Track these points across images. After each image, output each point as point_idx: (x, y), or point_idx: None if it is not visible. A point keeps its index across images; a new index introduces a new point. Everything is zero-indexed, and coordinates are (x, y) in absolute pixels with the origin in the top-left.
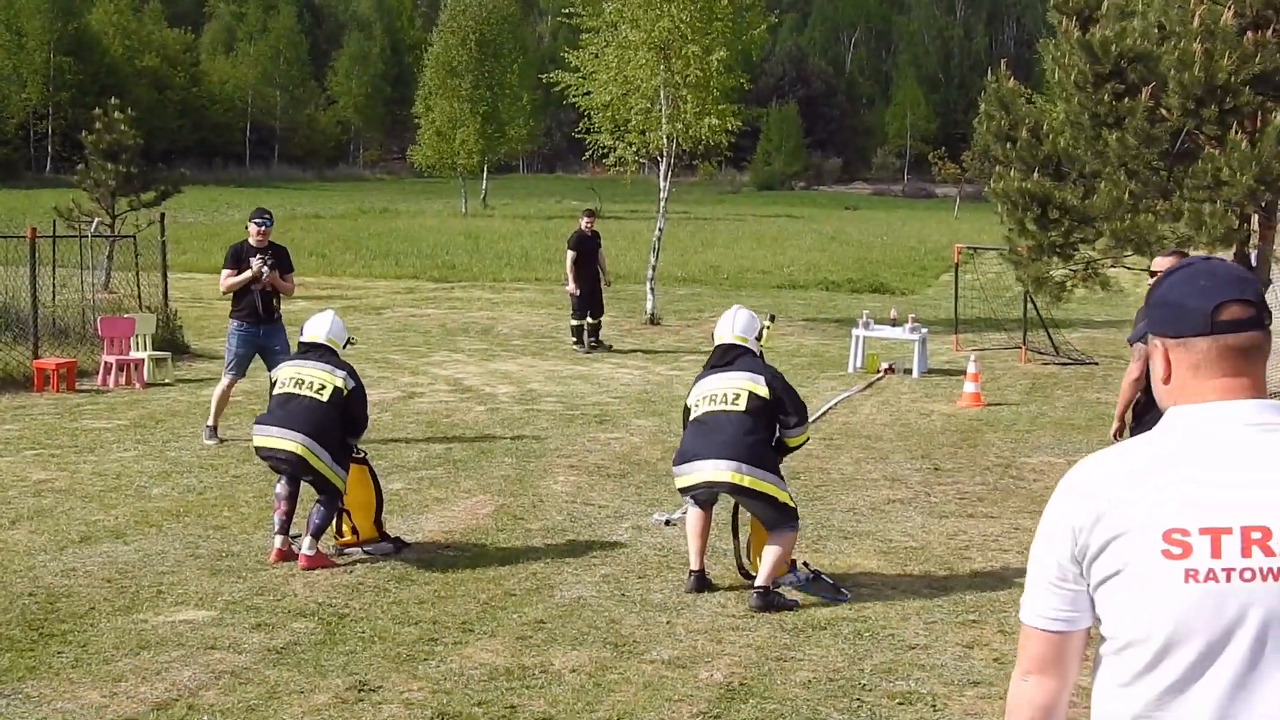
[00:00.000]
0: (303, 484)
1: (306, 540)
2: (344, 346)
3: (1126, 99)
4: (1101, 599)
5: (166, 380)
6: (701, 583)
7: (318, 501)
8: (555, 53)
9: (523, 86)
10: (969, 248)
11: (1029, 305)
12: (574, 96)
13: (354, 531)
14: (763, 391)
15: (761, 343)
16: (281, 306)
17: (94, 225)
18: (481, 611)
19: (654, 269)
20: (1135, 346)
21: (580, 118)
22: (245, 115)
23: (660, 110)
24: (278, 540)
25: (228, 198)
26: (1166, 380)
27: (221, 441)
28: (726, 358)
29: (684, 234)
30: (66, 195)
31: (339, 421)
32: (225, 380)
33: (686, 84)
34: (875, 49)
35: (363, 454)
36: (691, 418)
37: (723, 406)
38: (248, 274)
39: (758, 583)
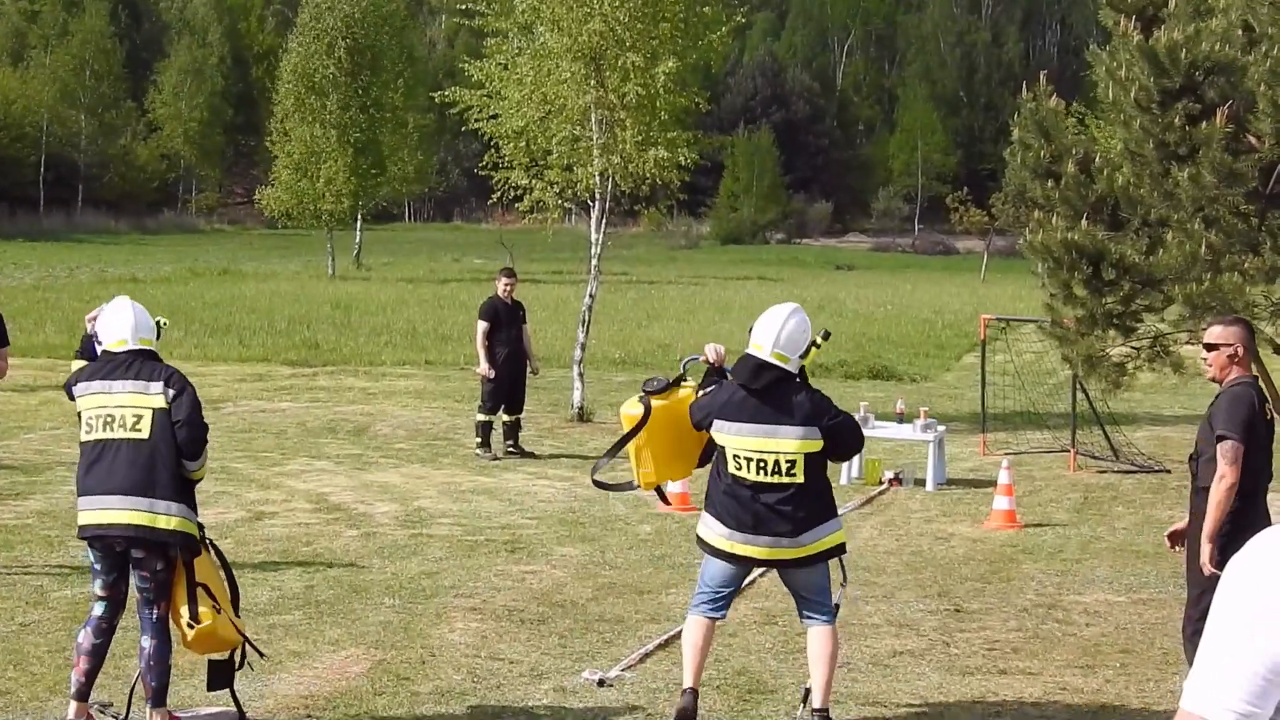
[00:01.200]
0: (117, 634)
1: (154, 714)
2: (157, 339)
3: (1203, 123)
4: None
5: None
6: (693, 708)
7: (145, 633)
8: (452, 64)
9: (409, 109)
10: (999, 319)
11: (1079, 394)
12: (477, 121)
13: (216, 611)
14: (817, 447)
15: (805, 362)
16: None
17: None
18: None
19: (583, 348)
20: (1225, 445)
21: (486, 149)
22: (39, 146)
23: (591, 139)
24: (72, 708)
25: (15, 255)
26: None
27: None
28: (758, 382)
29: (623, 302)
30: None
31: (174, 452)
32: None
33: (625, 105)
34: (876, 59)
35: (204, 534)
36: (734, 474)
37: (776, 479)
38: None
39: (815, 705)
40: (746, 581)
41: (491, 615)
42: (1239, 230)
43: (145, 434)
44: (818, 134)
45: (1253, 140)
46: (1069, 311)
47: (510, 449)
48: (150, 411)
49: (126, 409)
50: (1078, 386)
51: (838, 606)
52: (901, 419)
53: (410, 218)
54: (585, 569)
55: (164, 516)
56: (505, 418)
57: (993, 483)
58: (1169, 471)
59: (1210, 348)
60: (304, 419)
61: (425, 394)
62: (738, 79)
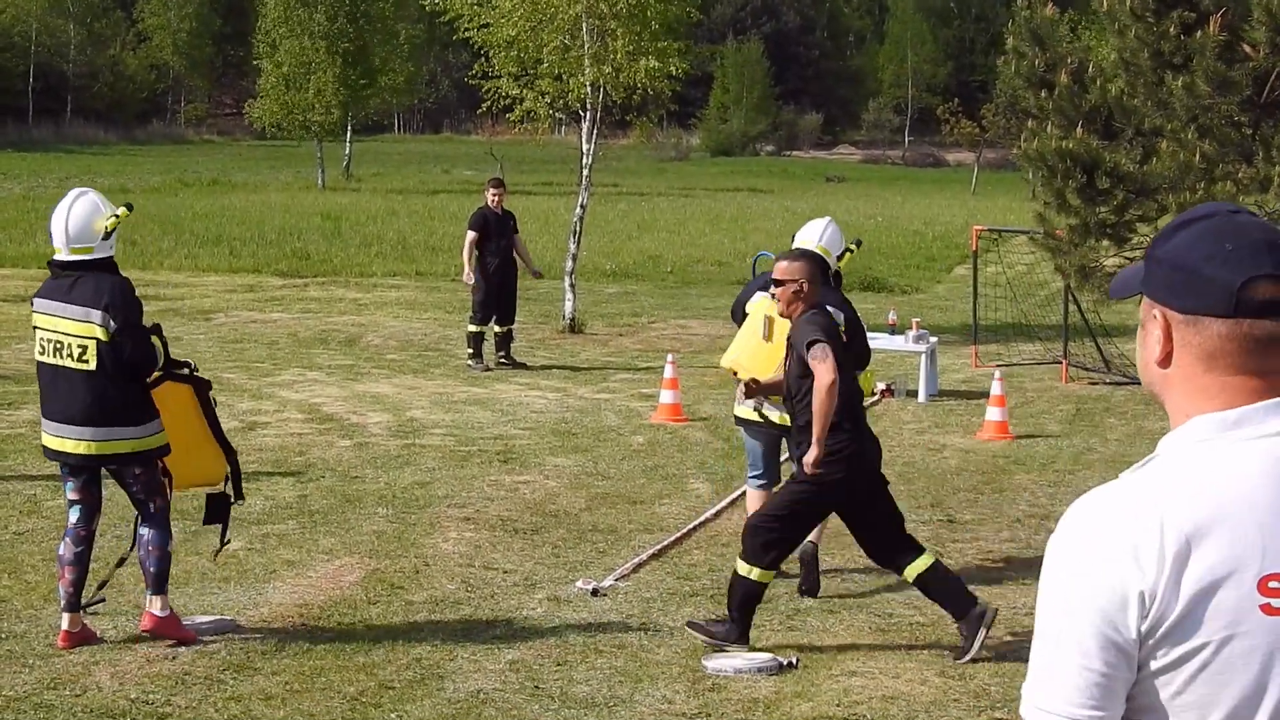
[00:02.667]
0: (98, 541)
1: (154, 599)
2: (107, 237)
3: (1197, 32)
4: (1173, 683)
5: None
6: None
7: (144, 523)
8: None
9: (398, 18)
10: (991, 230)
11: (1071, 305)
12: (467, 29)
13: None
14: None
15: (840, 265)
16: None
17: None
18: (349, 710)
19: (574, 260)
20: (815, 349)
21: (476, 58)
22: (27, 56)
23: (582, 49)
24: (65, 619)
25: (4, 165)
26: (1165, 364)
27: None
28: None
29: (613, 214)
30: None
31: (124, 378)
32: None
33: (615, 14)
34: None
35: (189, 368)
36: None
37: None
38: None
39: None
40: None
41: (485, 525)
42: (1233, 139)
43: (92, 365)
44: (808, 45)
45: (1247, 49)
46: (1062, 221)
47: (502, 360)
48: (94, 343)
49: (72, 338)
50: (1070, 298)
51: None
52: (893, 330)
53: (400, 129)
54: (578, 479)
55: (119, 441)
56: (496, 329)
57: (985, 394)
58: None
59: (777, 284)
60: (295, 329)
61: (416, 305)
62: None
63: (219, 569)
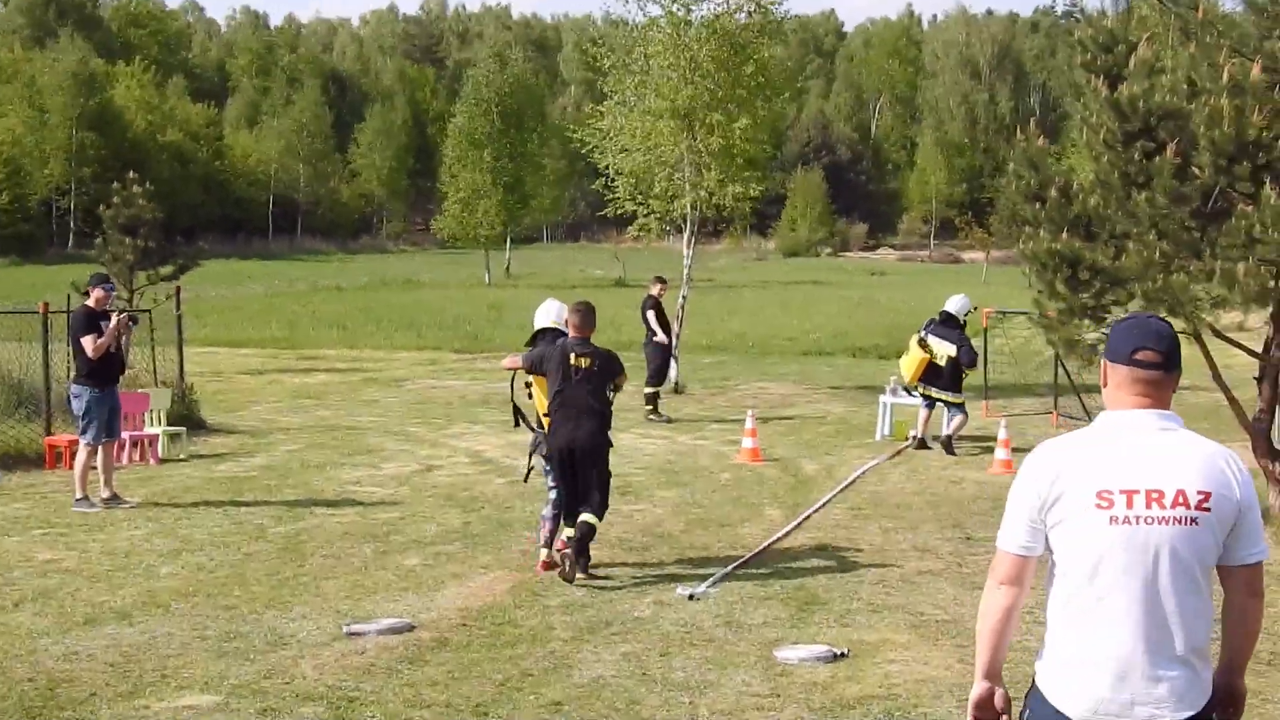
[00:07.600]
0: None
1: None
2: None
3: (1156, 158)
4: (1054, 537)
5: (181, 456)
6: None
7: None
8: (580, 121)
9: (545, 155)
10: (998, 311)
11: (1060, 369)
12: (597, 155)
13: None
14: (954, 353)
15: (965, 317)
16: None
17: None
18: (497, 693)
19: (678, 337)
20: None
21: (604, 178)
22: (268, 189)
23: (684, 177)
24: (544, 553)
25: (250, 271)
26: (1104, 386)
27: (108, 501)
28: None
29: (709, 302)
30: (85, 270)
31: None
32: (85, 451)
33: (710, 152)
34: (900, 115)
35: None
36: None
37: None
38: (111, 327)
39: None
40: None
41: (606, 544)
42: (1185, 240)
43: None
44: (857, 172)
45: (1195, 170)
46: (1052, 305)
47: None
48: None
49: None
50: (1059, 364)
51: None
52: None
53: (546, 239)
54: (679, 508)
55: None
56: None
57: (994, 438)
58: None
59: None
60: (465, 393)
61: None
62: (796, 131)
63: (400, 580)
